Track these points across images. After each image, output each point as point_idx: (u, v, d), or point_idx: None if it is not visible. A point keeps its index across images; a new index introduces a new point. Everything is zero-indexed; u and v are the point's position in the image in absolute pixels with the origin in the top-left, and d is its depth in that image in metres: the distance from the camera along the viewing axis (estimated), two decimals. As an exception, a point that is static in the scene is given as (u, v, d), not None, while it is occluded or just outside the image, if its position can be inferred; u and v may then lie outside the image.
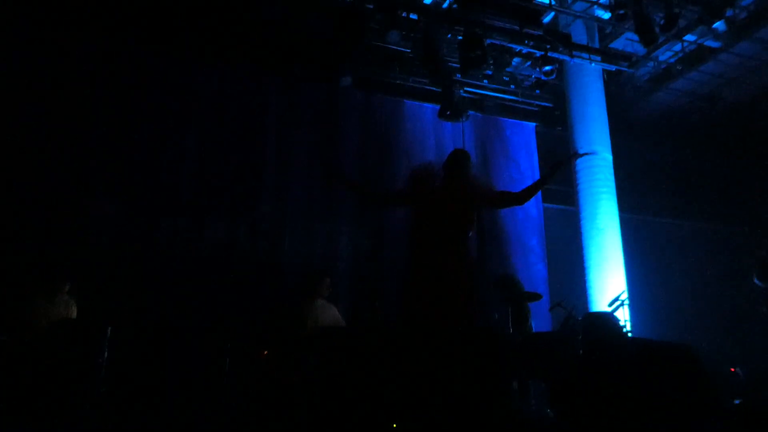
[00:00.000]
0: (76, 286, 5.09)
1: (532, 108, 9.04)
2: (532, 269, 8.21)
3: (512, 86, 8.82)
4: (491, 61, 7.91)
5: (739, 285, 8.13)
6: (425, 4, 7.54)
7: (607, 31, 8.48)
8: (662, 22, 7.35)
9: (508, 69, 8.50)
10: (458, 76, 8.12)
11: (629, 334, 6.70)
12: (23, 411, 4.02)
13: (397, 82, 8.13)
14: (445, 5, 7.67)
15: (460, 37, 7.42)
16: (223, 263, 6.54)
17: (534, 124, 9.05)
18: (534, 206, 8.59)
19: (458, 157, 4.29)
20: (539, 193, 8.74)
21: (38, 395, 4.12)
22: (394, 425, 4.28)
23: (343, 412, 4.32)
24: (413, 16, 7.26)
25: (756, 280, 7.44)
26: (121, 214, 6.29)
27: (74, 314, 5.04)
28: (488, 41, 7.58)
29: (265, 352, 4.02)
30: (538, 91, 9.04)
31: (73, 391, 4.25)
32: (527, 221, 8.46)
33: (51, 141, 6.19)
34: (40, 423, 4.00)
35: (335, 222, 7.26)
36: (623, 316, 6.78)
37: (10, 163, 5.99)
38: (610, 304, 6.99)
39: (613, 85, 8.79)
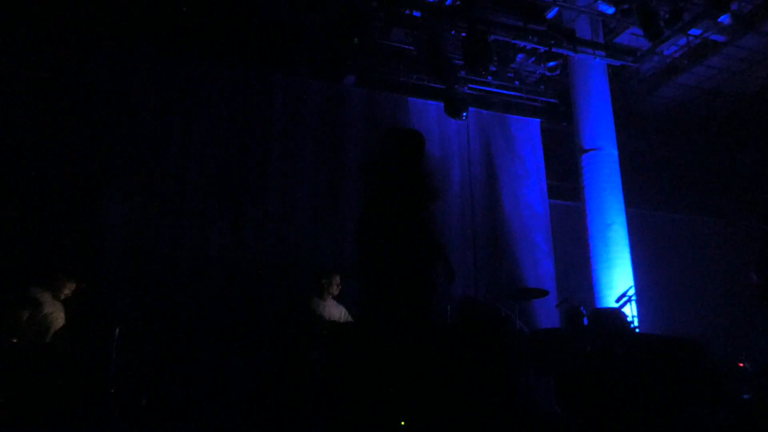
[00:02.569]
0: (83, 288, 5.09)
1: (537, 104, 9.03)
2: (539, 266, 8.21)
3: (516, 82, 8.81)
4: (495, 58, 7.89)
5: (749, 279, 8.09)
6: (428, 2, 7.53)
7: (612, 26, 8.45)
8: (667, 16, 7.32)
9: (512, 65, 8.48)
10: (462, 73, 8.11)
11: (636, 330, 6.69)
12: (33, 412, 4.04)
13: (401, 79, 8.13)
14: (448, 2, 7.66)
15: (463, 34, 7.41)
16: (229, 262, 6.56)
17: (539, 120, 9.03)
18: (539, 203, 8.59)
19: (415, 144, 4.15)
20: (545, 190, 8.75)
21: (47, 396, 4.15)
22: (402, 423, 4.28)
23: (352, 410, 4.33)
24: (416, 14, 7.25)
25: (754, 275, 7.39)
26: (128, 215, 6.32)
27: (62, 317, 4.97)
28: (492, 37, 7.57)
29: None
30: (542, 87, 9.04)
31: (82, 392, 4.27)
32: (533, 218, 8.45)
33: (58, 142, 6.22)
34: (49, 424, 4.02)
35: (341, 220, 7.27)
36: (630, 311, 6.76)
37: (18, 164, 6.03)
38: (617, 300, 6.98)
39: (618, 80, 8.77)
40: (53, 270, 5.02)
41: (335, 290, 5.61)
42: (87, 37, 6.60)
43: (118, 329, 4.69)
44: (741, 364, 6.59)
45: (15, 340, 4.50)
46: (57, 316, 4.84)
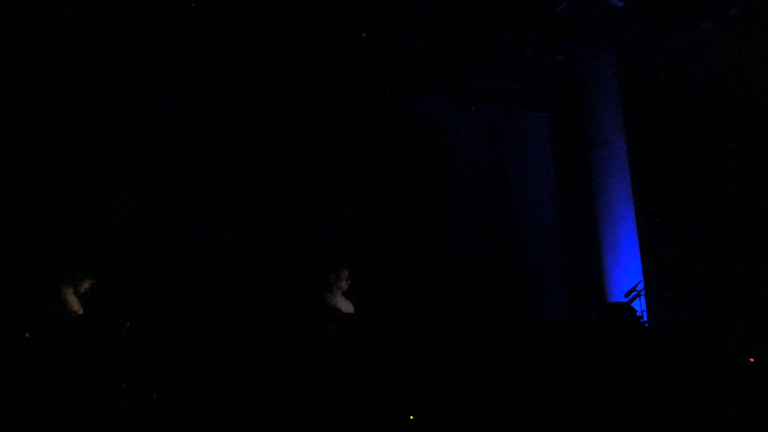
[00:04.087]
0: (97, 284, 5.16)
1: (545, 98, 8.99)
2: (546, 260, 8.20)
3: (525, 76, 8.76)
4: (504, 51, 7.86)
5: (758, 274, 8.05)
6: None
7: (622, 19, 8.37)
8: (678, 9, 7.27)
9: (520, 59, 8.44)
10: (471, 66, 8.09)
11: (645, 325, 6.68)
12: (44, 407, 4.08)
13: (409, 73, 8.10)
14: (457, -5, 7.63)
15: (472, 27, 7.37)
16: (237, 258, 6.59)
17: (547, 113, 9.00)
18: (547, 196, 8.57)
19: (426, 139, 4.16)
20: (553, 184, 8.72)
21: (59, 391, 4.19)
22: (411, 417, 4.30)
23: (362, 404, 4.34)
24: (425, 7, 7.23)
25: None
26: (138, 211, 6.36)
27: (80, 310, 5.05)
28: (500, 31, 7.54)
29: None
30: (551, 81, 8.99)
31: (93, 387, 4.31)
32: (541, 212, 8.44)
33: (71, 139, 6.28)
34: (60, 418, 4.06)
35: (349, 214, 7.27)
36: (639, 306, 6.75)
37: (33, 158, 6.09)
38: (626, 294, 6.97)
39: (627, 74, 8.71)
40: (74, 267, 5.10)
41: (344, 285, 5.62)
42: (93, 34, 6.62)
43: (128, 324, 4.73)
44: (751, 360, 6.56)
45: (27, 335, 4.54)
46: (76, 311, 4.92)
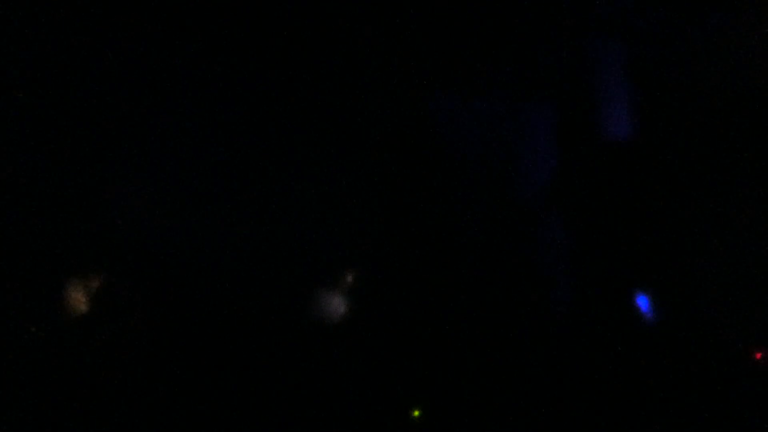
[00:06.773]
0: (101, 281, 5.20)
1: (552, 90, 8.91)
2: (555, 256, 8.18)
3: (531, 67, 8.69)
4: (510, 43, 7.80)
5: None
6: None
7: (632, 8, 8.29)
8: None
9: (528, 49, 8.37)
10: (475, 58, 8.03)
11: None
12: (44, 406, 4.13)
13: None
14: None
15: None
16: (240, 255, 6.61)
17: (553, 106, 8.92)
18: (555, 192, 8.53)
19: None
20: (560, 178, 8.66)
21: (60, 388, 4.24)
22: (416, 413, 4.34)
23: (365, 402, 4.38)
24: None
25: None
26: (145, 209, 6.39)
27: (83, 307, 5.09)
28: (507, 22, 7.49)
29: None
30: (560, 71, 8.90)
31: (95, 384, 4.36)
32: (548, 206, 8.41)
33: (76, 135, 6.29)
34: (62, 415, 4.11)
35: (352, 214, 7.27)
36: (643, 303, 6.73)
37: (36, 155, 6.11)
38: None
39: (639, 65, 8.62)
40: (80, 264, 5.14)
41: (347, 284, 5.65)
42: (94, 25, 6.63)
43: (132, 320, 4.77)
44: (758, 355, 6.52)
45: (34, 329, 4.60)
46: (79, 308, 4.97)
